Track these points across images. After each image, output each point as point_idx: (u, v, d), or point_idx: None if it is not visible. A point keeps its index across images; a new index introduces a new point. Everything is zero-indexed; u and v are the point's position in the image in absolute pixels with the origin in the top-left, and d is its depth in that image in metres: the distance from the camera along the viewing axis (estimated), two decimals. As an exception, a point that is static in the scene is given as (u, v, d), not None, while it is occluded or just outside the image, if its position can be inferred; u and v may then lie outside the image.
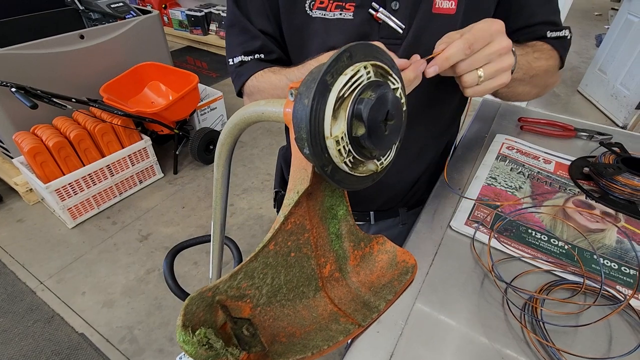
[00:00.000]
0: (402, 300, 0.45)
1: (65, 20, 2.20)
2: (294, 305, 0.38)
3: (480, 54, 0.42)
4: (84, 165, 1.74)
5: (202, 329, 0.27)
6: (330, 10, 0.52)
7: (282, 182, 0.82)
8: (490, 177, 0.63)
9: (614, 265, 0.49)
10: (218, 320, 0.30)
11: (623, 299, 0.44)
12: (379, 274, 0.46)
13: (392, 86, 0.32)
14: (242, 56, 0.57)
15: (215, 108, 2.35)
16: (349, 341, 0.40)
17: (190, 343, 0.26)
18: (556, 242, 0.52)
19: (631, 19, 2.43)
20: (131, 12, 2.15)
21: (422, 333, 0.42)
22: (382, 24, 0.52)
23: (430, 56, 0.43)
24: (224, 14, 3.50)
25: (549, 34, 0.57)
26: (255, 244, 1.71)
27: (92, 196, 1.80)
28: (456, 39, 0.42)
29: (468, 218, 0.56)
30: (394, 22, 0.51)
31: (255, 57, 0.57)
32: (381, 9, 0.51)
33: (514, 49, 0.45)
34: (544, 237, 0.53)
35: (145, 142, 1.93)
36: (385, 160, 0.34)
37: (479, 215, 0.56)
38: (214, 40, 3.60)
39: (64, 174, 1.68)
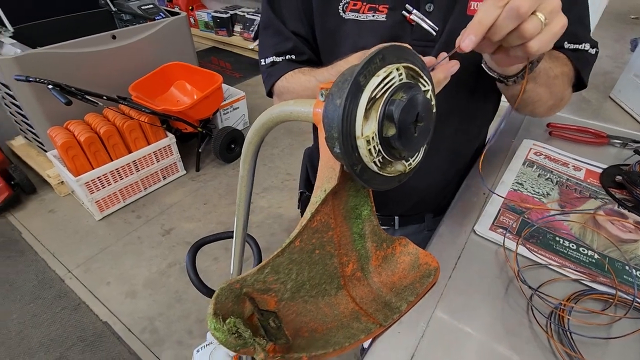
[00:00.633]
0: (424, 302, 0.45)
1: (98, 21, 2.29)
2: (316, 301, 0.39)
3: None
4: (112, 160, 1.80)
5: (232, 318, 0.28)
6: (363, 13, 0.52)
7: (307, 183, 0.83)
8: (516, 182, 0.62)
9: (648, 278, 0.47)
10: (245, 312, 0.31)
11: (657, 313, 0.43)
12: (401, 275, 0.46)
13: (423, 88, 0.33)
14: (274, 57, 0.58)
15: (238, 108, 2.39)
16: (369, 341, 0.40)
17: (220, 331, 0.27)
18: (586, 251, 0.50)
19: (670, 22, 2.31)
20: (160, 13, 2.22)
21: (443, 337, 0.42)
22: (415, 26, 0.52)
23: (454, 51, 0.39)
24: (249, 16, 3.55)
25: (566, 45, 0.53)
26: (274, 242, 1.73)
27: (119, 190, 1.86)
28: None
29: (493, 223, 0.55)
30: (427, 24, 0.51)
31: (287, 57, 0.58)
32: (415, 11, 0.51)
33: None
34: (573, 246, 0.51)
35: (170, 139, 1.98)
36: (413, 161, 0.34)
37: (505, 220, 0.55)
38: (238, 41, 3.66)
39: (93, 168, 1.75)
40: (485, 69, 0.45)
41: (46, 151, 1.88)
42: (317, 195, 0.37)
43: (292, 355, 0.31)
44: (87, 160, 1.74)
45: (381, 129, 0.29)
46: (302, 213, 0.81)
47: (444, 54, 0.41)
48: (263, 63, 0.60)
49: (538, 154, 0.69)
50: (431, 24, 0.50)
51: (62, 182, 1.92)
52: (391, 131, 0.29)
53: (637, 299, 0.44)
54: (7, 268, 1.59)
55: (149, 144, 1.92)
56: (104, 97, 1.76)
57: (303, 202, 0.84)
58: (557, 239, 0.52)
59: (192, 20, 3.58)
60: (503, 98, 0.59)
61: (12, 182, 1.85)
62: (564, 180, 0.63)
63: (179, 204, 1.93)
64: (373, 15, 0.52)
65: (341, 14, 0.53)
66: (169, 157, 2.02)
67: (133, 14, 2.27)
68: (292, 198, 1.98)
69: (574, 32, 0.52)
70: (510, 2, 0.33)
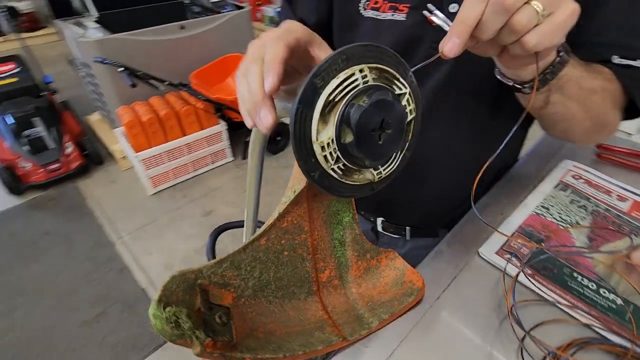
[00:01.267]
0: (402, 321, 0.42)
1: (172, 12, 2.47)
2: (282, 303, 0.39)
3: None
4: (168, 141, 1.95)
5: (172, 308, 0.29)
6: (383, 11, 0.50)
7: None
8: (542, 206, 0.56)
9: (680, 337, 0.40)
10: (196, 303, 0.32)
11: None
12: (381, 290, 0.44)
13: (397, 91, 0.30)
14: None
15: (289, 101, 2.44)
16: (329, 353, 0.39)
17: (158, 318, 0.28)
18: (606, 294, 0.44)
19: None
20: (226, 6, 2.33)
21: (415, 360, 0.39)
22: (436, 27, 0.48)
23: (436, 57, 0.33)
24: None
25: (615, 60, 0.44)
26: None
27: (171, 169, 2.01)
28: None
29: (502, 247, 0.50)
30: (449, 26, 0.47)
31: None
32: (436, 12, 0.47)
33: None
34: (592, 285, 0.45)
35: (222, 126, 2.09)
36: (384, 170, 0.32)
37: (515, 246, 0.50)
38: (300, 35, 3.72)
39: (151, 147, 1.91)
40: (498, 76, 0.41)
41: (115, 127, 2.08)
42: (287, 196, 0.37)
43: (235, 355, 0.31)
44: (146, 139, 1.90)
45: (339, 135, 0.28)
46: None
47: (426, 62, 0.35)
48: None
49: (577, 177, 0.61)
50: None
51: (125, 157, 2.12)
52: (349, 138, 0.28)
53: (657, 360, 0.37)
54: (70, 227, 1.80)
55: (202, 129, 2.04)
56: (166, 83, 1.90)
57: None
58: (575, 275, 0.46)
59: (258, 15, 3.71)
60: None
61: (85, 153, 2.09)
62: (602, 211, 0.55)
63: (222, 189, 2.03)
64: (392, 15, 0.50)
65: (361, 11, 0.52)
66: (219, 143, 2.13)
67: (203, 7, 2.42)
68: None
69: (627, 44, 0.44)
70: None
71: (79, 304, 1.47)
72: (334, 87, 0.27)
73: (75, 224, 1.83)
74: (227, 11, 2.28)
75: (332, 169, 0.29)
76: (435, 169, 0.58)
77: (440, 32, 0.47)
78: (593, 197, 0.57)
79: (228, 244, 1.59)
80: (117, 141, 2.10)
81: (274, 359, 0.33)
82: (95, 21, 2.07)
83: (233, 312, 0.34)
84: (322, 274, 0.42)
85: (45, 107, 1.98)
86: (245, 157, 2.28)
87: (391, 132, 0.29)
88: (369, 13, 0.51)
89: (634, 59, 0.43)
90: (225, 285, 0.34)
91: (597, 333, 0.40)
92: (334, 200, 0.41)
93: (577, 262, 0.48)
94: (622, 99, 0.45)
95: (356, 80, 0.28)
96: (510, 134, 0.36)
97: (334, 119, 0.28)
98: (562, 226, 0.53)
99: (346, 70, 0.27)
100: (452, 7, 0.47)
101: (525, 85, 0.39)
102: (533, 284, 0.45)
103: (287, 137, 2.21)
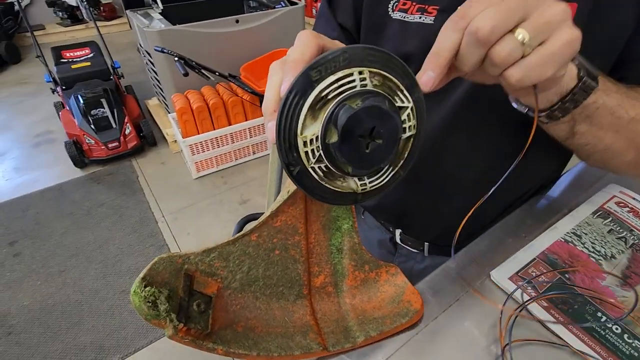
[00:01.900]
0: (392, 336, 0.40)
1: (230, 6, 2.57)
2: (269, 302, 0.39)
3: (490, 13, 0.25)
4: (214, 129, 2.05)
5: (152, 288, 0.30)
6: (411, 13, 0.48)
7: None
8: (573, 232, 0.50)
9: None
10: (180, 287, 0.33)
11: None
12: (376, 305, 0.43)
13: (399, 104, 0.29)
14: None
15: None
16: None
17: (138, 295, 0.29)
18: (632, 341, 0.39)
19: None
20: (281, 2, 2.38)
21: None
22: None
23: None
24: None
25: None
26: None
27: (215, 156, 2.11)
28: None
29: (517, 272, 0.46)
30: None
31: None
32: None
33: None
34: (617, 328, 0.40)
35: (265, 119, 2.14)
36: (370, 182, 0.31)
37: (533, 273, 0.46)
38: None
39: (199, 134, 2.02)
40: (514, 104, 0.37)
41: (169, 113, 2.23)
42: (282, 195, 0.37)
43: (207, 344, 0.31)
44: (195, 126, 2.01)
45: (325, 133, 0.27)
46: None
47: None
48: None
49: (622, 204, 0.54)
50: None
51: (175, 140, 2.26)
52: (333, 138, 0.27)
53: None
54: (122, 202, 1.96)
55: (246, 120, 2.11)
56: (217, 73, 1.98)
57: None
58: (599, 314, 0.41)
59: (313, 11, 3.74)
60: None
61: (141, 134, 2.25)
62: (646, 246, 0.48)
63: (260, 179, 2.09)
64: (420, 17, 0.47)
65: (390, 13, 0.50)
66: (261, 135, 2.19)
67: (259, 2, 2.49)
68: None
69: None
70: (471, 23, 0.25)
71: (121, 273, 1.60)
72: (328, 83, 0.26)
73: (127, 198, 1.99)
74: (282, 7, 2.32)
75: (313, 168, 0.28)
76: (456, 185, 0.55)
77: None
78: (637, 229, 0.51)
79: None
80: (170, 125, 2.24)
81: (246, 356, 0.33)
82: (160, 13, 2.21)
83: (216, 301, 0.35)
84: (316, 278, 0.42)
85: (112, 90, 2.17)
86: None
87: (382, 143, 0.28)
88: (397, 15, 0.49)
89: None
90: (211, 274, 0.35)
91: (613, 383, 0.36)
92: (334, 205, 0.40)
93: (603, 300, 0.43)
94: None
95: (353, 81, 0.27)
96: (516, 161, 0.33)
97: (323, 116, 0.27)
98: (594, 258, 0.47)
99: (345, 70, 0.26)
100: None
101: (541, 115, 0.35)
102: (550, 316, 0.40)
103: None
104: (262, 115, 1.88)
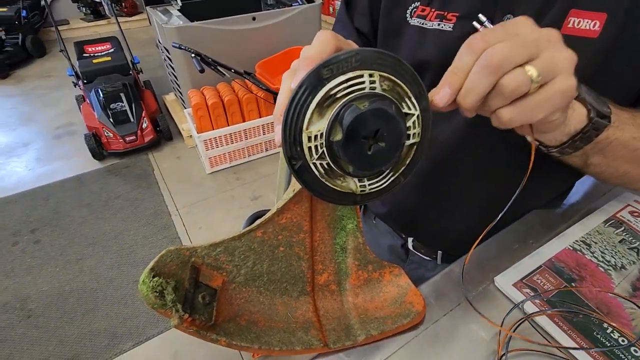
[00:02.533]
0: (391, 337, 0.41)
1: (247, 3, 2.59)
2: (273, 297, 0.40)
3: (507, 44, 0.25)
4: (229, 125, 2.07)
5: (159, 279, 0.31)
6: (430, 20, 0.47)
7: None
8: (582, 241, 0.50)
9: None
10: (186, 279, 0.34)
11: None
12: (378, 305, 0.43)
13: (405, 110, 0.29)
14: None
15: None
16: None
17: (146, 285, 0.30)
18: (638, 353, 0.38)
19: None
20: (298, 0, 2.38)
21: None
22: None
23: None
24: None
25: None
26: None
27: (228, 152, 2.14)
28: None
29: (522, 279, 0.46)
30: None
31: None
32: (487, 23, 0.43)
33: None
34: (623, 340, 0.39)
35: (279, 116, 2.15)
36: (370, 185, 0.31)
37: (539, 281, 0.45)
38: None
39: (213, 129, 2.05)
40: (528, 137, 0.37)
41: (185, 108, 2.26)
42: (288, 193, 0.37)
43: (211, 335, 0.33)
44: (210, 121, 2.04)
45: (330, 131, 0.28)
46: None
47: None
48: None
49: (636, 214, 0.53)
50: None
51: (190, 136, 2.30)
52: (338, 136, 0.28)
53: None
54: (137, 194, 2.01)
55: (260, 117, 2.13)
56: (232, 70, 2.01)
57: None
58: (605, 326, 0.41)
59: (330, 9, 3.74)
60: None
61: (158, 129, 2.30)
62: (658, 257, 0.47)
63: (272, 176, 2.11)
64: (439, 24, 0.47)
65: (407, 19, 0.50)
66: (274, 132, 2.20)
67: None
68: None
69: None
70: (488, 49, 0.25)
71: (135, 263, 1.65)
72: (338, 82, 0.27)
73: (142, 191, 2.03)
74: (299, 5, 2.33)
75: (315, 164, 0.29)
76: (468, 197, 0.55)
77: None
78: (650, 240, 0.49)
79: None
80: (185, 121, 2.28)
81: (248, 348, 0.34)
82: (179, 10, 2.25)
83: (220, 294, 0.36)
84: (320, 276, 0.42)
85: (131, 84, 2.22)
86: (298, 148, 2.33)
87: (384, 146, 0.28)
88: (415, 21, 0.49)
89: None
90: (217, 267, 0.36)
91: (615, 394, 0.35)
92: (338, 203, 0.40)
93: (610, 312, 0.42)
94: None
95: (363, 83, 0.28)
96: (526, 177, 0.33)
97: (330, 114, 0.28)
98: (603, 267, 0.47)
99: (356, 71, 0.27)
100: (507, 19, 0.42)
101: (552, 151, 0.35)
102: (557, 328, 0.40)
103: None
104: (276, 113, 1.86)
